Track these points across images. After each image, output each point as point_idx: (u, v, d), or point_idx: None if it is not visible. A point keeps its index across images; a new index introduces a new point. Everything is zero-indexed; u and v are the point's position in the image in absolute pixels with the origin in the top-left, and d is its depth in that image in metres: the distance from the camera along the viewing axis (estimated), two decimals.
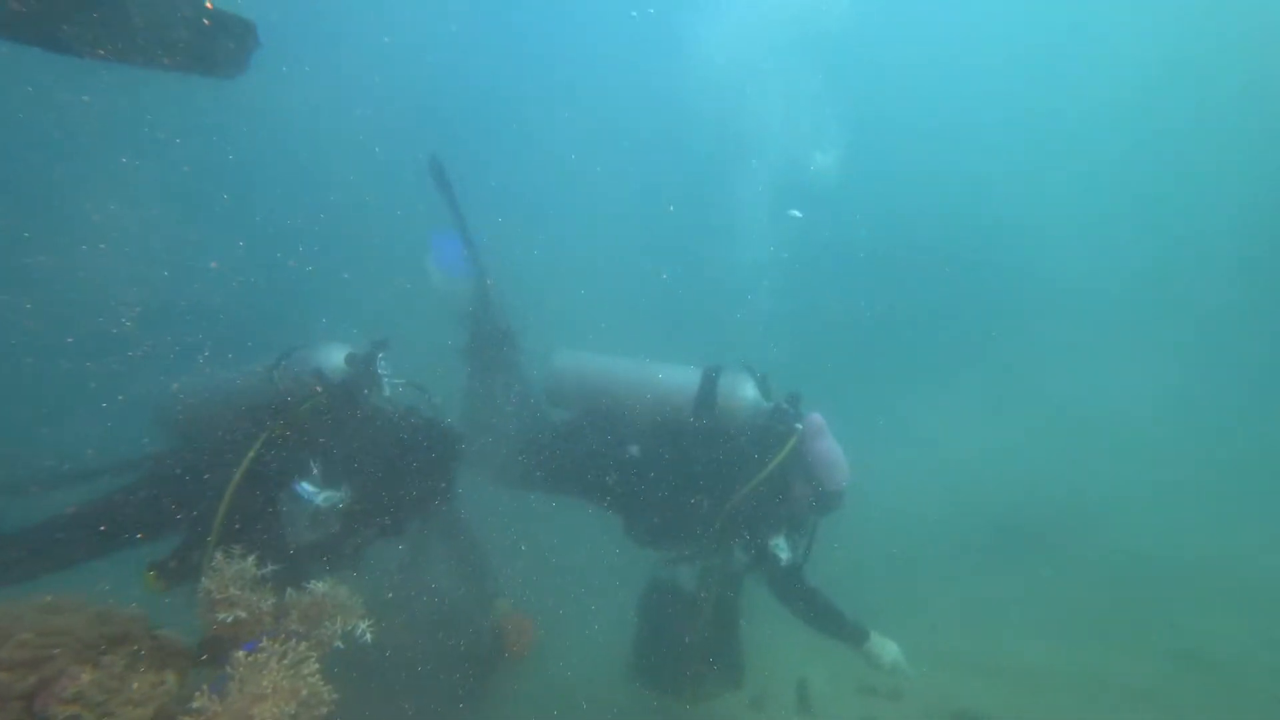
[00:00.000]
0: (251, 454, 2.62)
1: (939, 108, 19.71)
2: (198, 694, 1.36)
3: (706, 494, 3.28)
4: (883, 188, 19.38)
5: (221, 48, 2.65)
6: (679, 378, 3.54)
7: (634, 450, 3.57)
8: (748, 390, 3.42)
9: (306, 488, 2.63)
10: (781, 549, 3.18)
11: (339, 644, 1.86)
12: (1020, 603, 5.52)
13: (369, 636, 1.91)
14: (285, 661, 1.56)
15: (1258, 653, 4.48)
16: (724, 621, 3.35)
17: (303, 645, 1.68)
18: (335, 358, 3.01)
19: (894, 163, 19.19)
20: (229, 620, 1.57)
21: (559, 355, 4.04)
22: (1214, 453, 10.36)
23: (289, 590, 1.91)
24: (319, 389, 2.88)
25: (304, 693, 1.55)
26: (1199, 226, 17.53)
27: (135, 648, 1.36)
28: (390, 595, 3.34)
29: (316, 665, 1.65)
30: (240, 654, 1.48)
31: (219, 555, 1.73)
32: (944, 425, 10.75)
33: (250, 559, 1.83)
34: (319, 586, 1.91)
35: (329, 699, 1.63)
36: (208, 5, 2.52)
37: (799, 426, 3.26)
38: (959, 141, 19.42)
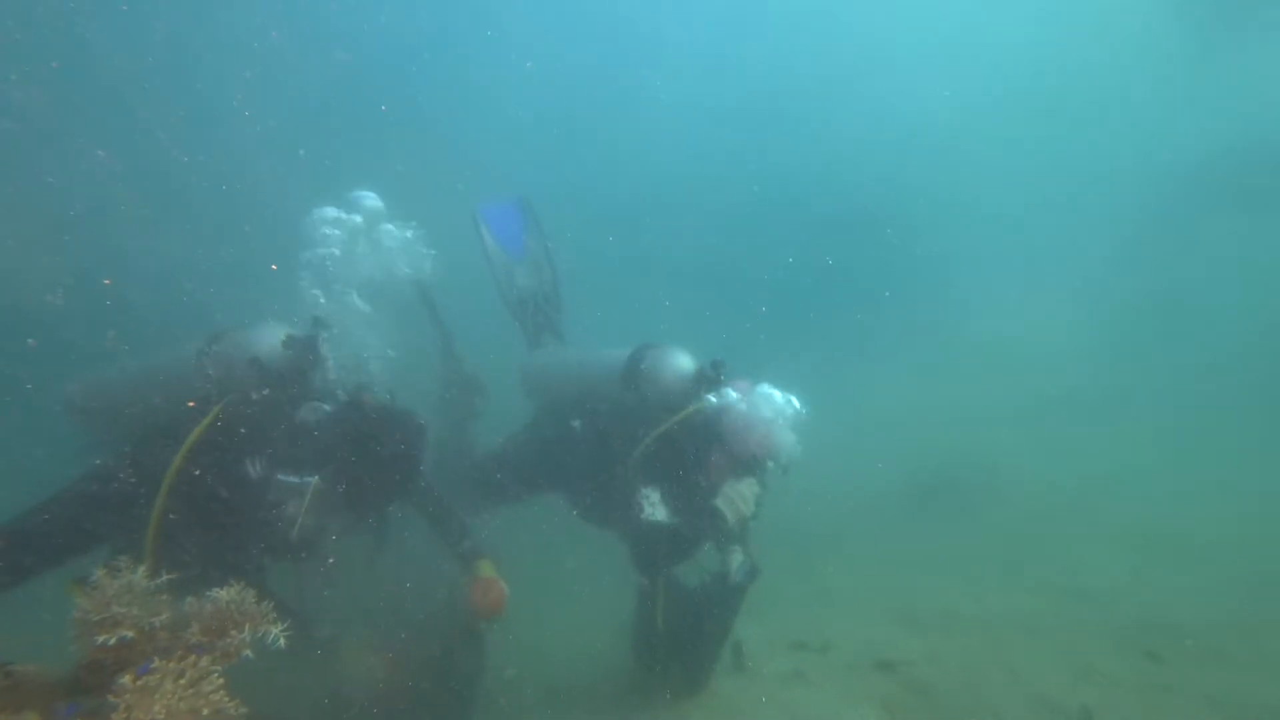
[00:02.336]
0: (179, 459, 2.42)
1: (859, 74, 19.93)
2: None
3: (624, 461, 3.30)
4: (802, 150, 19.62)
5: None
6: (616, 358, 3.53)
7: (575, 425, 3.58)
8: (674, 361, 3.44)
9: (286, 476, 2.48)
10: (652, 502, 3.18)
11: (248, 654, 1.75)
12: (938, 555, 5.98)
13: (281, 642, 1.81)
14: (182, 681, 1.45)
15: (1129, 585, 5.10)
16: (703, 626, 3.33)
17: (204, 660, 1.56)
18: (272, 339, 2.75)
19: (809, 124, 19.38)
20: (111, 643, 1.43)
21: (532, 354, 4.25)
22: (1113, 411, 11.44)
23: (189, 600, 1.78)
24: (256, 378, 2.63)
25: (205, 712, 1.45)
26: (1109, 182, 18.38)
27: None
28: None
29: (220, 680, 1.55)
30: (127, 679, 1.36)
31: (100, 571, 1.57)
32: (865, 386, 11.30)
33: (140, 570, 1.67)
34: (223, 594, 1.78)
35: (237, 714, 1.53)
36: None
37: (726, 392, 3.30)
38: (877, 108, 19.74)
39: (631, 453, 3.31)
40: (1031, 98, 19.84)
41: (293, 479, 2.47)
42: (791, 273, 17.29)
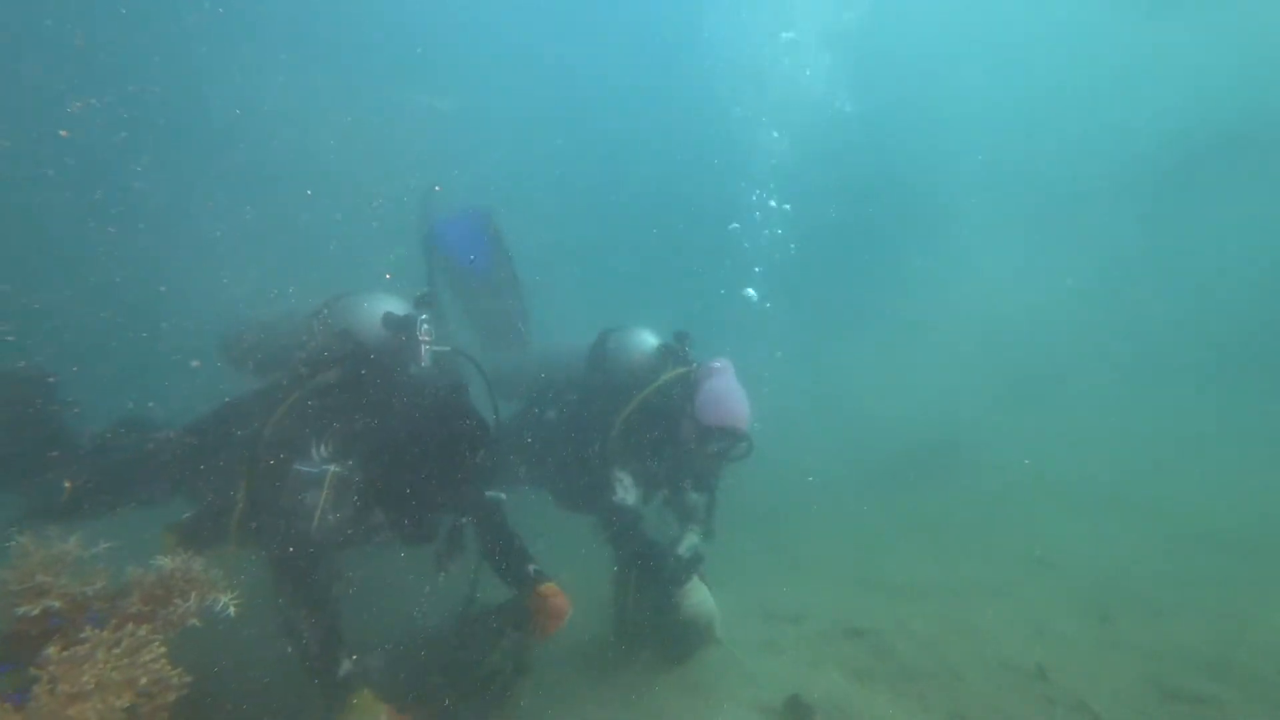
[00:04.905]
0: (266, 430, 2.35)
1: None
2: None
3: (598, 443, 3.27)
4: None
5: None
6: (581, 344, 3.51)
7: (550, 415, 3.54)
8: (638, 339, 3.44)
9: (308, 462, 2.32)
10: (624, 485, 3.15)
11: (195, 622, 1.68)
12: (908, 526, 6.13)
13: (231, 610, 1.74)
14: (117, 650, 1.38)
15: (1086, 550, 5.31)
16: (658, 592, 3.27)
17: (144, 629, 1.49)
18: (377, 313, 2.61)
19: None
20: (34, 613, 1.35)
21: (498, 358, 4.11)
22: (1079, 384, 11.81)
23: (130, 568, 1.69)
24: (346, 355, 2.50)
25: (144, 681, 1.38)
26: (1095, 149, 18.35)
27: None
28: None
29: (161, 649, 1.48)
30: (52, 650, 1.28)
31: (23, 538, 1.47)
32: (836, 360, 11.45)
33: (72, 539, 1.58)
34: (166, 562, 1.70)
35: (179, 683, 1.47)
36: None
37: (693, 364, 3.28)
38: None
39: (606, 435, 3.28)
40: (1007, 68, 19.80)
41: (310, 469, 2.30)
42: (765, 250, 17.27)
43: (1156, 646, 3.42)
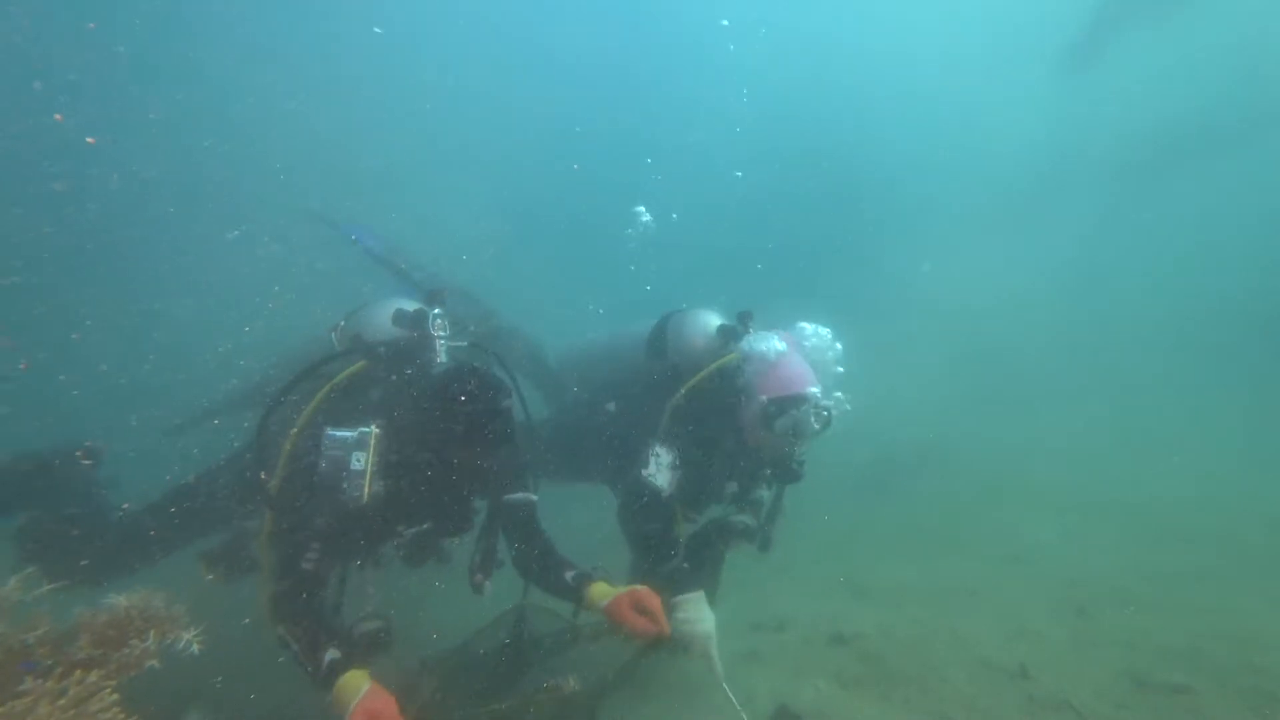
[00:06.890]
0: (290, 443, 2.29)
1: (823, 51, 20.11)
2: None
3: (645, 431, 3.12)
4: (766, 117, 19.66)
5: None
6: (641, 328, 3.39)
7: (610, 407, 3.37)
8: (699, 321, 3.26)
9: (339, 431, 2.18)
10: (659, 462, 2.90)
11: (154, 663, 1.58)
12: (888, 531, 6.19)
13: (195, 648, 1.64)
14: (63, 701, 1.28)
15: (1060, 547, 5.43)
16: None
17: (93, 674, 1.39)
18: (388, 314, 2.56)
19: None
20: None
21: (558, 341, 4.14)
22: (1056, 386, 12.11)
23: (77, 610, 1.58)
24: (362, 357, 2.45)
25: None
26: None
27: None
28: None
29: (114, 696, 1.38)
30: None
31: None
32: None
33: (12, 581, 1.47)
34: (122, 599, 1.60)
35: None
36: None
37: (753, 338, 3.08)
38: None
39: (657, 423, 3.09)
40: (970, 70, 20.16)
41: (348, 433, 2.16)
42: (740, 251, 17.38)
43: (1132, 640, 3.50)
